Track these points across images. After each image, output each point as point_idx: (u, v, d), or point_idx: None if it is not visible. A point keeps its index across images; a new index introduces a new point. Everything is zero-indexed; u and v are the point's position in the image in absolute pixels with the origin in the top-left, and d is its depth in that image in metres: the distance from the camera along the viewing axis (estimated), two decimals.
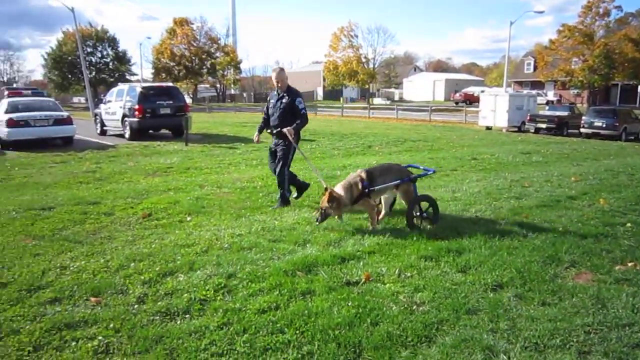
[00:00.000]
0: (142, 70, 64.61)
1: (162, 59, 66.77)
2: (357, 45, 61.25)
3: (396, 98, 71.42)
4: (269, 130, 6.75)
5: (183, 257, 4.53)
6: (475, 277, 4.02)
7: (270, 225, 5.62)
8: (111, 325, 3.24)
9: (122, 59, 64.19)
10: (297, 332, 3.13)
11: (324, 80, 70.59)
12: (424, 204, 5.53)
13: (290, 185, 6.77)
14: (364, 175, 5.38)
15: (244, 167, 10.36)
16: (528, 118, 23.20)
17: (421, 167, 6.25)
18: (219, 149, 13.72)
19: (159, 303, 3.58)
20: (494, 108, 23.98)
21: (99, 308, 3.53)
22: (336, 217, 5.49)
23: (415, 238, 4.98)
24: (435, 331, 3.18)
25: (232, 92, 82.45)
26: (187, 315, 3.40)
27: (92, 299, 3.68)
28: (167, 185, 8.17)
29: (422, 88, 74.25)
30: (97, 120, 19.25)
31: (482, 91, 38.45)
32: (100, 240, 5.21)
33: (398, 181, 5.51)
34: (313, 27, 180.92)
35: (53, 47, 61.98)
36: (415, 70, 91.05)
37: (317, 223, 5.31)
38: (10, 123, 14.04)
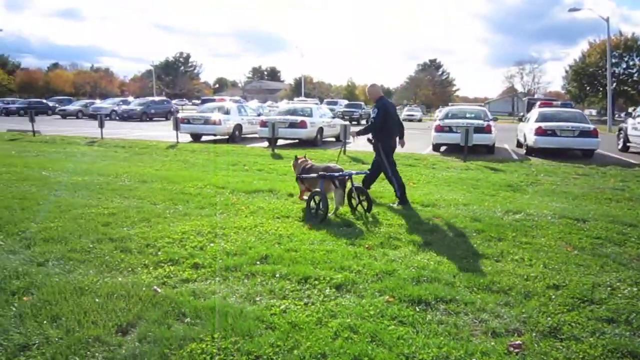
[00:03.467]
0: None
1: None
2: None
3: None
4: None
5: None
6: None
7: None
8: None
9: None
10: None
11: None
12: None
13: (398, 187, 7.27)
14: (307, 165, 6.94)
15: None
16: None
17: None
18: None
19: None
20: None
21: None
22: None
23: None
24: None
25: None
26: None
27: None
28: None
29: None
30: (621, 135, 18.12)
31: None
32: None
33: (314, 175, 6.59)
34: None
35: (576, 59, 62.75)
36: None
37: None
38: (539, 131, 14.99)
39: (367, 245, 5.17)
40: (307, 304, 3.72)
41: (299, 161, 7.17)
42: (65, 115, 39.56)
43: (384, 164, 7.31)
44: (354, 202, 6.72)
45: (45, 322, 3.38)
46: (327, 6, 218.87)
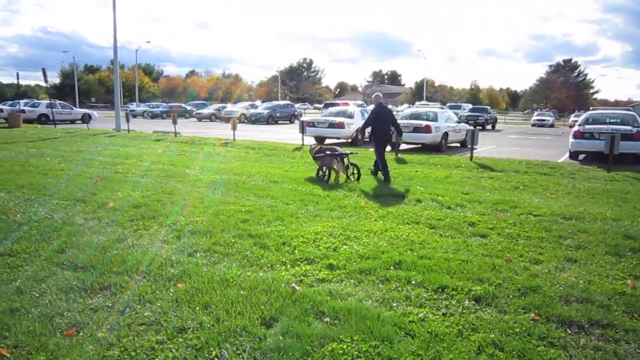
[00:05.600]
0: None
1: None
2: None
3: None
4: None
5: None
6: None
7: None
8: None
9: None
10: None
11: None
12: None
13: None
14: (317, 149, 10.25)
15: None
16: None
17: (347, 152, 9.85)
18: None
19: None
20: None
21: None
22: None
23: None
24: None
25: None
26: None
27: None
28: None
29: None
30: None
31: None
32: None
33: (322, 154, 9.79)
34: None
35: None
36: None
37: None
38: None
39: (506, 258, 4.89)
40: (445, 315, 3.61)
41: (312, 146, 10.83)
42: (200, 118, 42.92)
43: (375, 148, 10.24)
44: (348, 172, 9.73)
45: (197, 308, 3.66)
46: (449, 8, 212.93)
